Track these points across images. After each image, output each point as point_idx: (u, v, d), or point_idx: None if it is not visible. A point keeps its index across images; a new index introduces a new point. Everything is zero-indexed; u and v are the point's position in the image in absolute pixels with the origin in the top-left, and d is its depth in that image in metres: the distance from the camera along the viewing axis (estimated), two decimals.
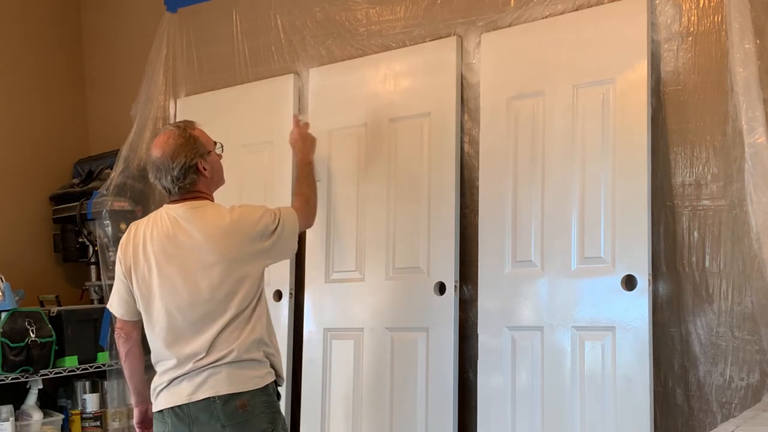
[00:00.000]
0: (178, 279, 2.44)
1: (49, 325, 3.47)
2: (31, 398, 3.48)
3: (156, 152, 2.50)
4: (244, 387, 2.40)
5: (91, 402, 3.67)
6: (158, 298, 2.46)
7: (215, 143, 2.59)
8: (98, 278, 3.76)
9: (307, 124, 3.02)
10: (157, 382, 2.49)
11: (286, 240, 2.56)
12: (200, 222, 2.46)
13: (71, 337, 3.56)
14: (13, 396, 3.45)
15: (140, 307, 2.52)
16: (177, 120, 2.55)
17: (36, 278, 3.97)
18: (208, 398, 2.38)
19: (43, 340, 3.42)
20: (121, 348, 2.61)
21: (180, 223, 2.47)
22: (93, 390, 3.71)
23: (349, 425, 3.08)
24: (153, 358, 2.51)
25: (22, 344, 3.35)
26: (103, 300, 3.74)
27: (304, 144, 2.96)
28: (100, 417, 3.68)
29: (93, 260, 3.87)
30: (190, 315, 2.42)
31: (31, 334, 3.38)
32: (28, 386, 3.48)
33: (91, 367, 3.64)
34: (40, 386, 3.49)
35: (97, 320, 3.68)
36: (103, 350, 3.67)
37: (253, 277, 2.47)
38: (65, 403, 3.77)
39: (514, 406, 2.76)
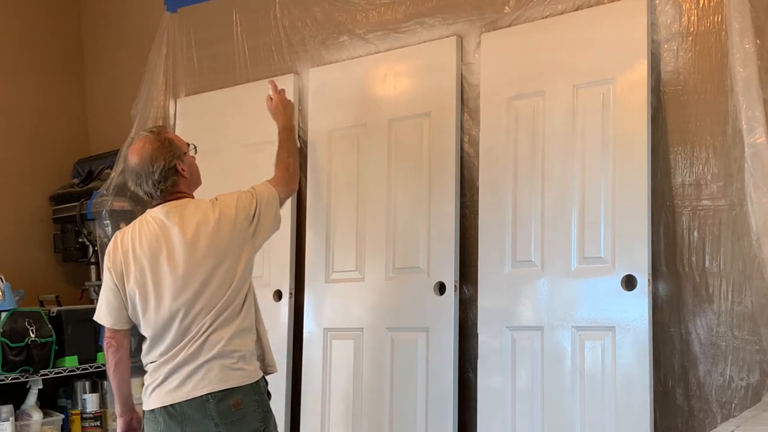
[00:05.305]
0: (171, 278, 2.46)
1: (49, 325, 3.48)
2: (31, 398, 3.48)
3: (134, 158, 2.53)
4: (236, 382, 2.42)
5: (91, 402, 3.68)
6: (154, 300, 2.48)
7: (188, 145, 2.64)
8: (98, 278, 3.76)
9: (283, 90, 3.06)
10: (149, 380, 2.50)
11: (266, 216, 2.59)
12: (184, 220, 2.49)
13: (71, 337, 3.56)
14: (13, 396, 3.45)
15: (136, 311, 2.52)
16: (152, 125, 2.60)
17: (36, 278, 3.97)
18: (202, 397, 2.39)
19: (43, 340, 3.42)
20: (111, 357, 2.59)
21: (165, 223, 2.50)
22: (93, 390, 3.71)
23: (349, 425, 3.08)
24: (146, 357, 2.53)
25: (22, 344, 3.35)
26: None
27: (285, 109, 3.00)
28: (99, 417, 3.68)
29: (93, 260, 3.88)
30: (186, 311, 2.44)
31: (31, 334, 3.38)
32: (28, 386, 3.48)
33: (91, 367, 3.64)
34: (40, 386, 3.49)
35: None
36: (102, 350, 3.66)
37: (244, 266, 2.50)
38: (65, 403, 3.77)
39: (514, 406, 2.76)
